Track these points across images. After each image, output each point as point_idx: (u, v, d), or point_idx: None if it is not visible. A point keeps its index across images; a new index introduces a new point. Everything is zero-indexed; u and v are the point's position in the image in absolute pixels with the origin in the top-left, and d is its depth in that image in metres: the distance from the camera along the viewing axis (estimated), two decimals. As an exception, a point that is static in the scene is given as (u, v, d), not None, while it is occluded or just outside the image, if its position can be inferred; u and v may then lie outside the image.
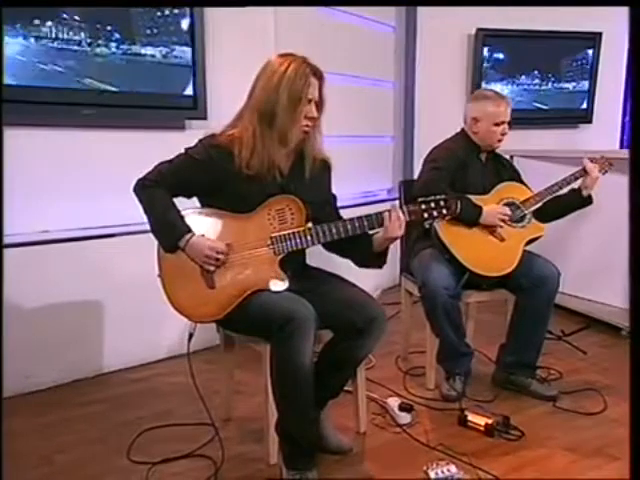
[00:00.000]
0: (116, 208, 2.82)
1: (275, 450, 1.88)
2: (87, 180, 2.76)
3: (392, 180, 4.65)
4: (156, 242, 1.81)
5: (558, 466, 1.86)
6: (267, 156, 1.78)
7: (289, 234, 1.78)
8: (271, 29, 3.39)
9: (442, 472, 1.74)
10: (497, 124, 2.39)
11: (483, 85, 4.61)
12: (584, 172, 2.42)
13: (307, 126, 1.79)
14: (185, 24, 2.90)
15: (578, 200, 2.43)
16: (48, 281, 2.50)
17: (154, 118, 3.00)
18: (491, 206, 2.32)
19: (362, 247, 1.85)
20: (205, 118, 3.06)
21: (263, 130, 1.77)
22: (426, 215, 1.78)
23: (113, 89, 2.73)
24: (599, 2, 4.65)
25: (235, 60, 3.21)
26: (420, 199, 1.79)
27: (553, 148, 4.29)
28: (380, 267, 1.91)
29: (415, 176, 4.48)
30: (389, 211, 1.77)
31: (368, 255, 1.87)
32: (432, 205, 1.77)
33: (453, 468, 1.76)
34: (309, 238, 1.78)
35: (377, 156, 4.53)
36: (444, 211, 1.78)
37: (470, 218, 2.27)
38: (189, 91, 3.00)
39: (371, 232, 1.84)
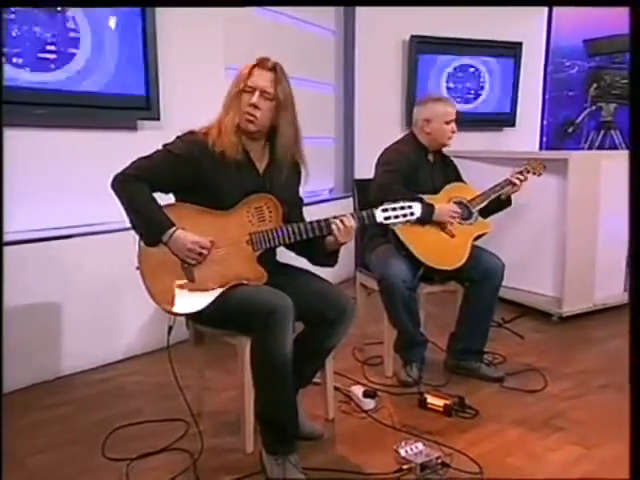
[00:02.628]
0: (71, 209, 2.81)
1: (252, 440, 1.97)
2: (40, 181, 2.72)
3: (334, 180, 4.81)
4: (137, 236, 1.86)
5: (510, 438, 2.06)
6: (224, 143, 1.83)
7: (267, 231, 1.87)
8: (219, 31, 3.45)
9: (411, 449, 1.89)
10: (447, 122, 2.58)
11: (418, 88, 4.89)
12: (511, 184, 2.62)
13: (249, 114, 1.83)
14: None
15: (500, 203, 2.66)
16: (6, 283, 2.43)
17: (107, 118, 2.98)
18: (443, 205, 2.50)
19: (317, 248, 1.95)
20: (158, 119, 3.08)
21: (224, 119, 1.86)
22: (396, 220, 1.90)
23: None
24: (599, 2, 4.95)
25: (186, 62, 3.25)
26: (389, 205, 1.89)
27: (481, 149, 4.59)
28: (332, 266, 2.03)
29: (356, 176, 4.70)
30: (340, 219, 1.86)
31: (322, 255, 1.97)
32: (403, 212, 1.89)
33: (420, 445, 1.91)
34: (286, 236, 1.87)
35: (319, 157, 4.64)
36: (410, 217, 1.91)
37: (424, 217, 2.42)
38: (142, 92, 3.00)
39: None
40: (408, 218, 1.90)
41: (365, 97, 4.83)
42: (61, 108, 2.74)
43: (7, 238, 2.48)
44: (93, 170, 2.92)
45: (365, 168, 4.55)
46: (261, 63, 1.87)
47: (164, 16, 3.05)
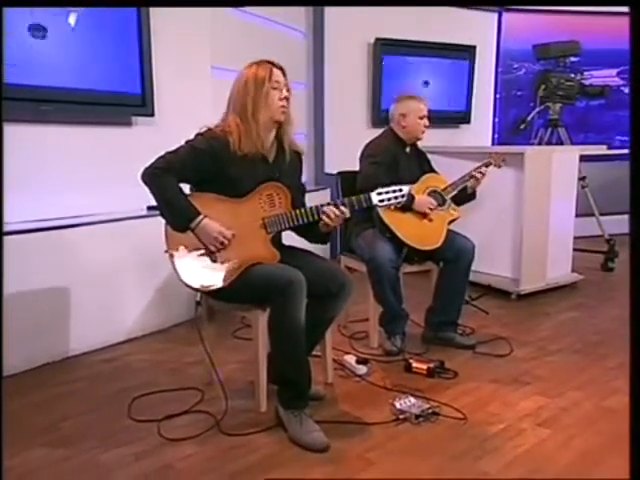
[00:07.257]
0: (76, 200, 2.98)
1: (265, 400, 2.23)
2: (47, 173, 2.89)
3: (306, 175, 5.07)
4: (163, 222, 2.07)
5: (487, 392, 2.40)
6: (253, 141, 2.08)
7: (278, 215, 2.12)
8: (207, 33, 3.66)
9: (405, 402, 2.19)
10: (420, 118, 2.90)
11: (382, 87, 5.22)
12: (474, 177, 2.93)
13: (284, 107, 2.12)
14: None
15: (465, 196, 2.98)
16: (11, 270, 2.52)
17: (104, 114, 3.15)
18: (422, 197, 2.81)
19: (314, 229, 2.21)
20: (152, 115, 3.27)
21: (243, 120, 2.09)
22: (388, 202, 2.17)
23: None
24: (600, 2, 5.20)
25: (176, 61, 3.45)
26: (383, 189, 2.17)
27: (441, 144, 4.94)
28: (325, 244, 2.32)
29: (327, 170, 4.99)
30: (330, 208, 2.11)
31: (317, 235, 2.25)
32: (395, 194, 2.18)
33: (413, 399, 2.22)
34: (294, 219, 2.13)
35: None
36: (401, 199, 2.19)
37: (406, 204, 2.72)
38: (137, 89, 3.18)
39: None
40: (399, 200, 2.16)
41: (334, 95, 5.12)
42: (62, 105, 2.91)
43: (16, 227, 2.63)
44: (93, 163, 3.10)
45: (334, 162, 4.88)
46: (272, 63, 2.13)
47: (156, 18, 3.25)
